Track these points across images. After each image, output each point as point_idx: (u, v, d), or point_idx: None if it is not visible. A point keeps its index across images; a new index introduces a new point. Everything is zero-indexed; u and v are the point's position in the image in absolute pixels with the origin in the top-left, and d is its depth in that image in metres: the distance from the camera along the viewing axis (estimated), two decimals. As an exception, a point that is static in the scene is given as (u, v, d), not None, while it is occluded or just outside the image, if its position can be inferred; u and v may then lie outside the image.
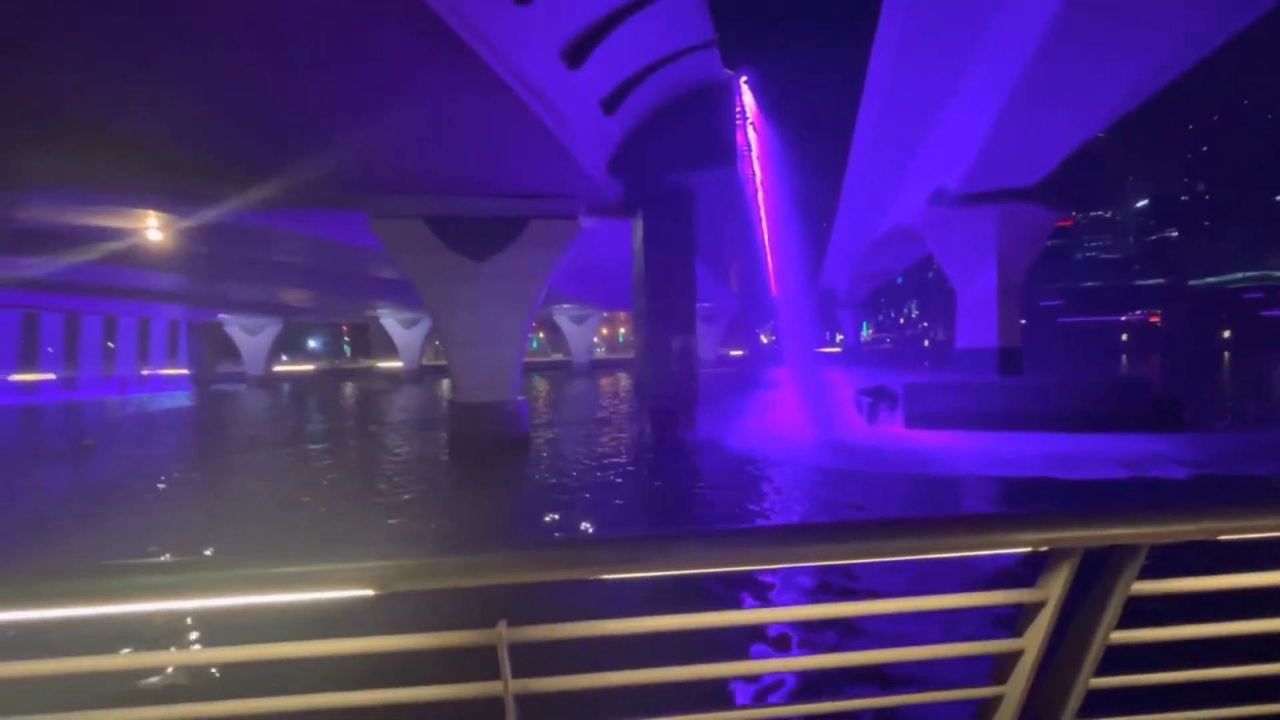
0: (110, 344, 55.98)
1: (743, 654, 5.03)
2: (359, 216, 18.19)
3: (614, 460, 16.55)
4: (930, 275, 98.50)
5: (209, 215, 19.51)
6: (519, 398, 18.50)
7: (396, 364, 65.41)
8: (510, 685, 1.15)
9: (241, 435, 24.12)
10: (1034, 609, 1.26)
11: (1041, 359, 29.40)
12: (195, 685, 4.23)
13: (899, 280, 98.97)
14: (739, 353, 78.52)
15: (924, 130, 19.30)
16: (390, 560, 1.07)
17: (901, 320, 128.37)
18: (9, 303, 42.69)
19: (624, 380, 53.89)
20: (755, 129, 22.88)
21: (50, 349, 51.99)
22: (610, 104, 14.62)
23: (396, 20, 8.35)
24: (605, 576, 1.14)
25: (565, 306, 60.60)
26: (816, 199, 49.65)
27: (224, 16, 8.26)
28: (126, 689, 4.12)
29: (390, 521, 11.18)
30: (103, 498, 13.70)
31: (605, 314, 71.19)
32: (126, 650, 1.32)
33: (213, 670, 4.15)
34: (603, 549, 1.12)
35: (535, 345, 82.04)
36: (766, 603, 6.66)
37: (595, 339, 74.32)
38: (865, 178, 25.83)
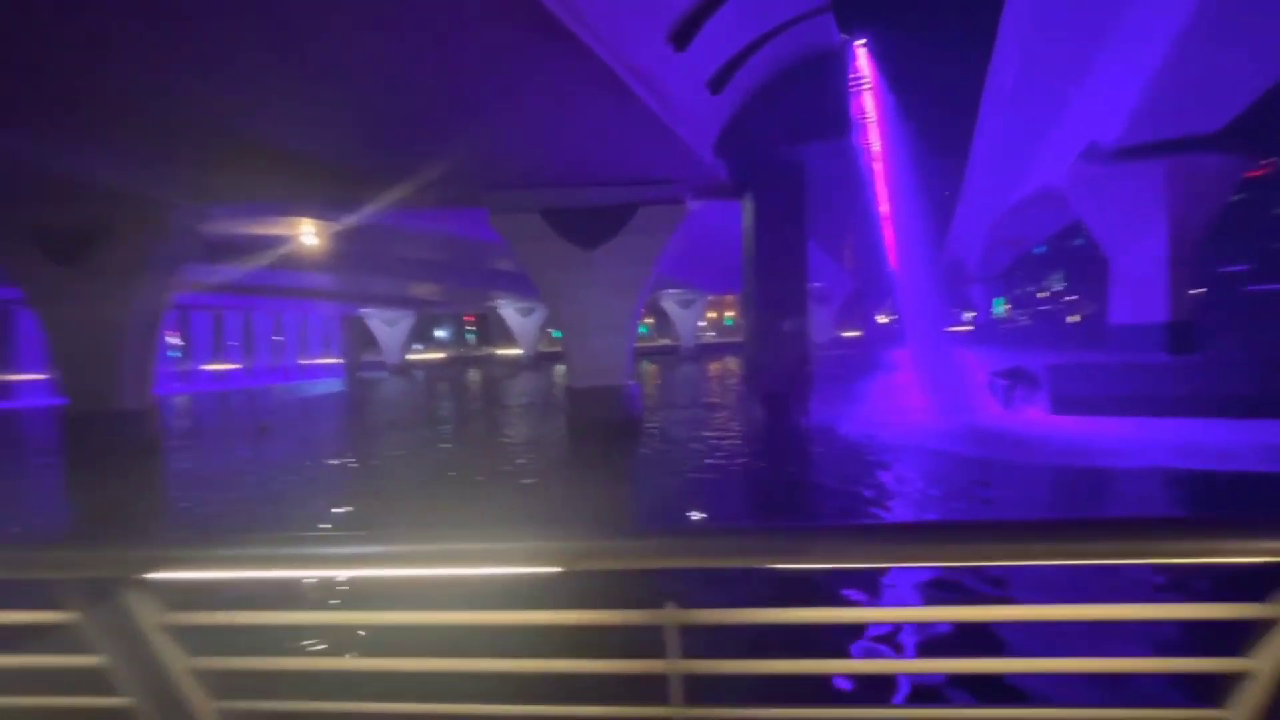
0: (278, 337, 63.95)
1: (902, 652, 4.73)
2: (480, 213, 19.34)
3: (725, 444, 16.48)
4: (1078, 243, 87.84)
5: (354, 219, 21.65)
6: (631, 382, 18.89)
7: (515, 351, 69.09)
8: (676, 665, 1.17)
9: (387, 418, 26.65)
10: (1266, 625, 1.09)
11: (1221, 334, 25.34)
12: (391, 643, 4.77)
13: (1039, 250, 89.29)
14: (854, 334, 74.80)
15: (1073, 75, 17.13)
16: (576, 540, 1.12)
17: (1042, 295, 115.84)
18: (202, 304, 50.06)
19: (731, 364, 53.26)
20: (872, 95, 21.47)
21: (232, 343, 60.22)
22: (717, 83, 14.35)
23: (512, 23, 8.69)
24: (777, 566, 1.13)
25: (671, 291, 60.82)
26: (940, 164, 45.85)
27: (378, 50, 9.09)
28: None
29: (525, 500, 11.91)
30: (288, 472, 15.80)
31: (711, 298, 70.62)
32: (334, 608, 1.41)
33: (403, 631, 4.62)
34: (779, 539, 1.11)
35: (643, 331, 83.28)
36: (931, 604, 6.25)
37: (701, 323, 74.01)
38: (998, 136, 23.44)
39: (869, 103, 21.59)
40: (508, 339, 74.85)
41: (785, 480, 13.02)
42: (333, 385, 54.40)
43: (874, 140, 23.92)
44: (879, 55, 21.45)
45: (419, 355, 76.82)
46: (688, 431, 18.52)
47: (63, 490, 15.96)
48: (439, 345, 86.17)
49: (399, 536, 1.12)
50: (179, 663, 1.15)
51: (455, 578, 1.13)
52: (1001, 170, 26.04)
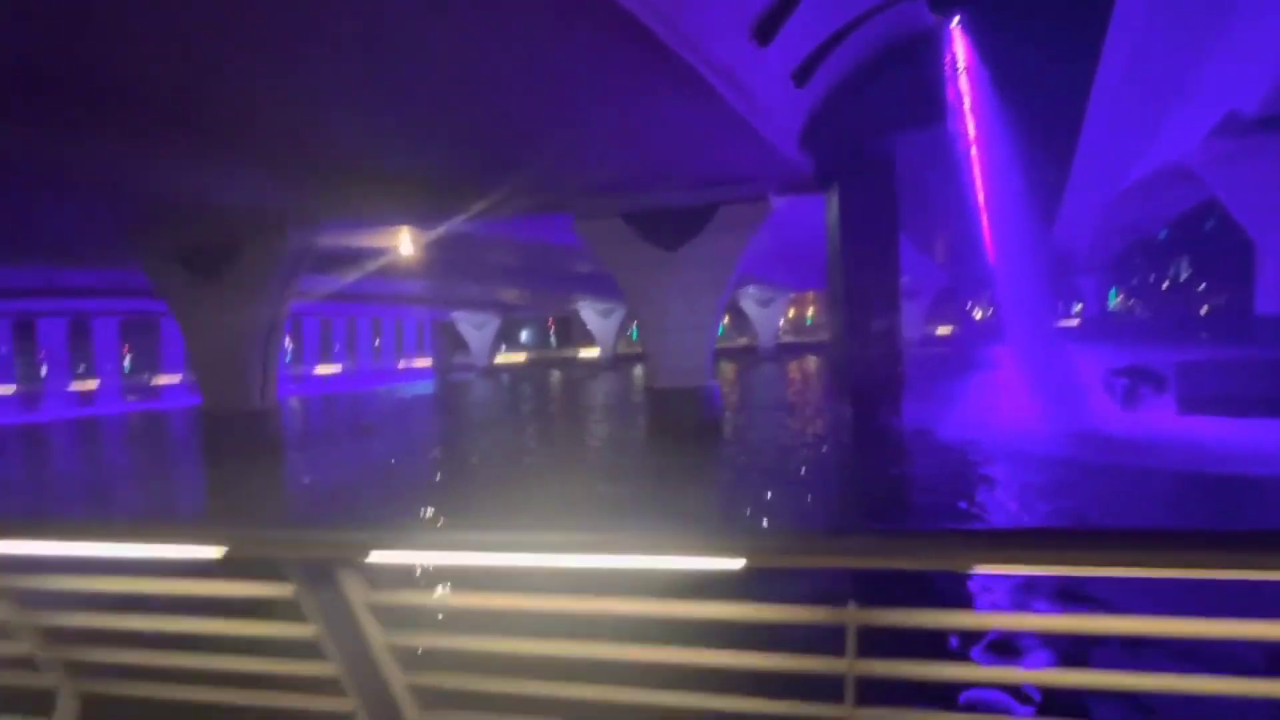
0: (377, 341, 68.47)
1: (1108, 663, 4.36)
2: (562, 219, 19.92)
3: (813, 447, 16.09)
4: (1209, 225, 78.73)
5: (446, 228, 22.80)
6: (712, 383, 18.81)
7: (594, 352, 70.35)
8: (854, 665, 1.16)
9: (478, 418, 27.92)
10: None
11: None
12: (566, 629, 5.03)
13: (1160, 235, 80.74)
14: (947, 330, 70.72)
15: (1203, 41, 15.44)
16: (761, 536, 1.14)
17: (1165, 284, 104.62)
18: (312, 312, 54.42)
19: (813, 364, 51.82)
20: (968, 76, 20.23)
21: (337, 347, 65.04)
22: (801, 75, 14.03)
23: (594, 27, 8.87)
24: (976, 570, 1.11)
25: (750, 290, 59.87)
26: (1045, 146, 42.46)
27: (469, 71, 9.60)
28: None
29: (614, 493, 12.15)
30: (393, 468, 16.95)
31: (792, 295, 68.89)
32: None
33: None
34: (976, 540, 1.09)
35: (719, 331, 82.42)
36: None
37: (781, 322, 72.39)
38: (1113, 113, 21.47)
39: (965, 85, 20.37)
40: (587, 340, 76.36)
41: (885, 487, 12.35)
42: (426, 387, 57.58)
43: (970, 125, 22.56)
44: (976, 34, 20.19)
45: (504, 357, 79.87)
46: (772, 434, 18.22)
47: (213, 481, 17.84)
48: (522, 347, 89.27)
49: (575, 527, 1.19)
50: (379, 638, 1.27)
51: (624, 569, 1.18)
52: (1116, 149, 23.83)
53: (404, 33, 8.80)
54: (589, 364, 70.54)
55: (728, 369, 52.45)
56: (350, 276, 32.10)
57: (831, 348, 19.48)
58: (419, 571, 1.35)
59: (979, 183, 32.32)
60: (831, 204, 18.32)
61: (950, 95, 18.29)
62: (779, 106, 13.93)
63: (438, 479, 14.91)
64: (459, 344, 72.13)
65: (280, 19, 8.38)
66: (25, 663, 1.46)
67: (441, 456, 18.09)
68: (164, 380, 54.42)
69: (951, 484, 11.78)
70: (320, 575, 1.23)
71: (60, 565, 1.36)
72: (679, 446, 16.82)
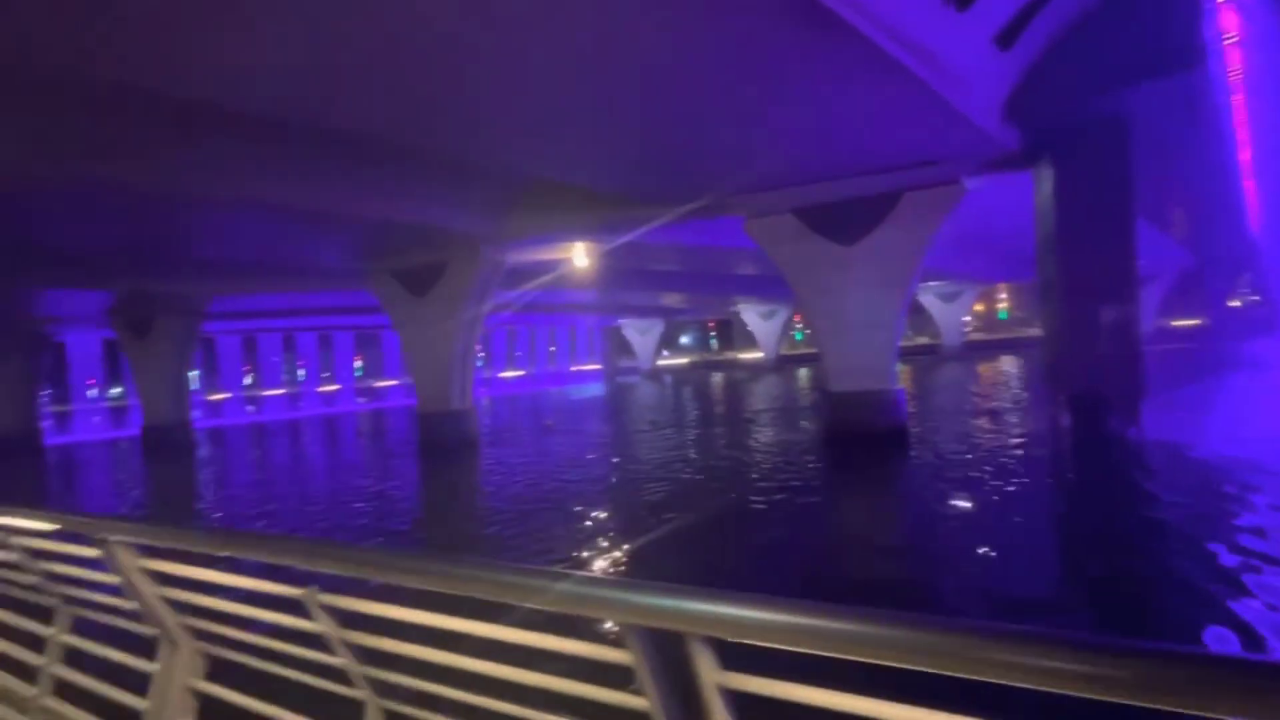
0: (552, 348, 73.84)
1: None
2: (726, 221, 19.74)
3: (1022, 459, 14.00)
4: None
5: (619, 239, 23.75)
6: (895, 386, 17.27)
7: (756, 355, 69.11)
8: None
9: (649, 419, 28.65)
10: None
11: None
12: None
13: None
14: (1191, 323, 58.24)
15: None
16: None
17: None
18: (497, 323, 60.31)
19: (1006, 365, 45.80)
20: (1235, 7, 16.22)
21: (518, 353, 71.21)
22: (1006, 37, 12.29)
23: (765, 9, 8.47)
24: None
25: (932, 284, 54.57)
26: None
27: (665, 85, 9.77)
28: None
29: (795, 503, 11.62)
30: (582, 461, 18.01)
31: (981, 288, 61.56)
32: None
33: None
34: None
35: (895, 329, 76.38)
36: None
37: (967, 318, 64.99)
38: None
39: (1228, 20, 16.36)
40: (748, 343, 75.27)
41: (1132, 520, 9.87)
42: (596, 389, 60.75)
43: (1233, 68, 18.06)
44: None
45: (667, 361, 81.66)
46: (965, 444, 16.20)
47: (428, 470, 20.33)
48: (684, 351, 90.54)
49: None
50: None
51: None
52: None
53: (626, 51, 9.07)
54: (751, 366, 69.42)
55: (905, 370, 48.21)
56: (530, 289, 35.04)
57: (1044, 345, 16.84)
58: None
59: (1242, 137, 26.08)
60: (1042, 181, 15.87)
61: (1208, 33, 14.87)
62: (978, 76, 12.32)
63: (610, 474, 15.37)
64: (625, 348, 75.20)
65: (511, 61, 9.18)
66: (340, 675, 1.58)
67: (618, 455, 18.71)
68: (384, 384, 63.86)
69: (1229, 522, 9.27)
70: (662, 647, 1.07)
71: (374, 592, 1.44)
72: (858, 455, 15.65)
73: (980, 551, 8.76)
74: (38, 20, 7.69)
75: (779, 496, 12.45)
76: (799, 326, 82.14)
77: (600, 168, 14.65)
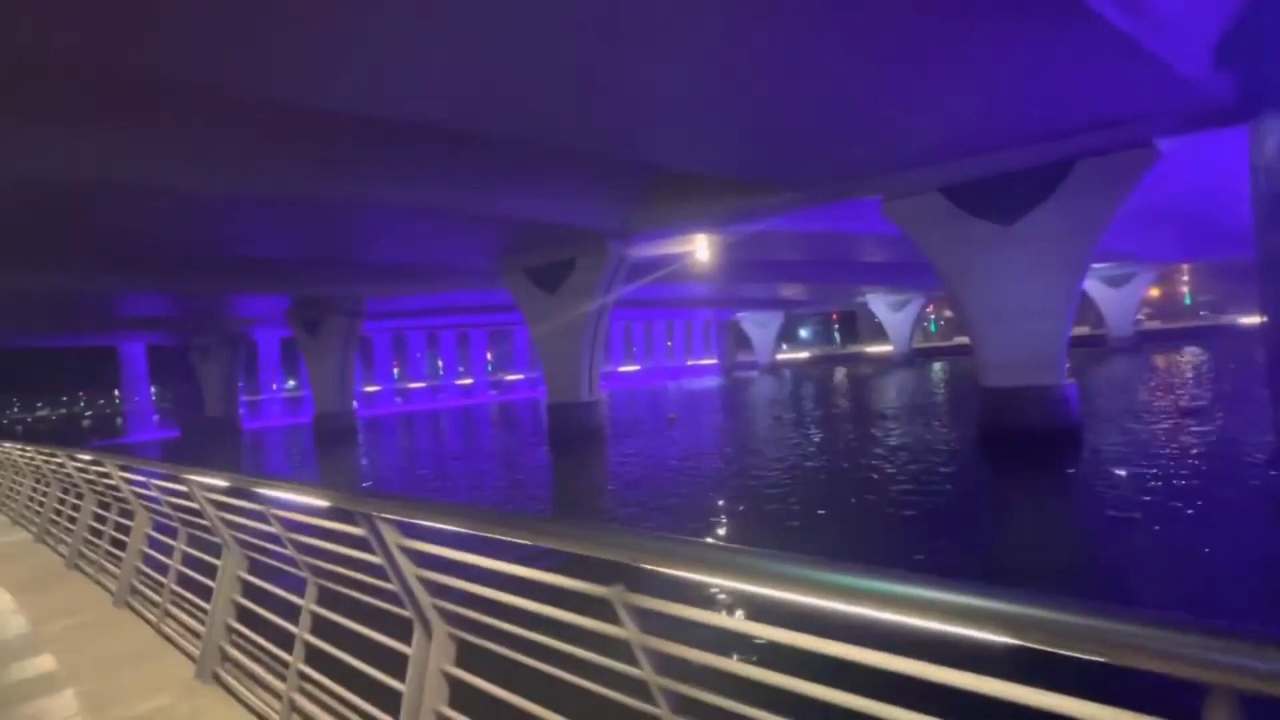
0: (668, 342, 74.35)
1: None
2: (854, 205, 18.60)
3: (1245, 467, 11.82)
4: None
5: (741, 230, 23.25)
6: (1065, 381, 15.30)
7: (885, 348, 65.07)
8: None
9: (776, 414, 27.83)
10: None
11: None
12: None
13: None
14: None
15: None
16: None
17: None
18: (617, 317, 61.83)
19: (1190, 357, 39.44)
20: None
21: (634, 348, 72.45)
22: (1222, -35, 10.33)
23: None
24: None
25: (1099, 266, 48.20)
26: None
27: (810, 55, 9.29)
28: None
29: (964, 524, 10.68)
30: (714, 457, 17.89)
31: (1157, 269, 53.46)
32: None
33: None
34: None
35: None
36: None
37: (1139, 304, 56.74)
38: None
39: None
40: (876, 335, 71.02)
41: None
42: (713, 383, 60.25)
43: None
44: None
45: (785, 355, 79.27)
46: (1166, 451, 13.92)
47: (567, 461, 21.17)
48: (804, 344, 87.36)
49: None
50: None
51: None
52: None
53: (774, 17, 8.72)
54: (879, 360, 65.46)
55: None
56: (649, 283, 35.34)
57: (1266, 333, 14.12)
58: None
59: None
60: (1265, 136, 13.26)
61: None
62: (1181, 11, 10.47)
63: (751, 475, 14.98)
64: (742, 342, 73.94)
65: (656, 45, 9.19)
66: (634, 686, 1.44)
67: (750, 453, 18.28)
68: (512, 378, 67.86)
69: None
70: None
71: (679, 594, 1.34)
72: (1021, 458, 14.06)
73: (1196, 586, 7.40)
74: (241, 53, 8.79)
75: (933, 503, 11.42)
76: (933, 317, 76.30)
77: (736, 153, 14.25)
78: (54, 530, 5.61)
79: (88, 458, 4.48)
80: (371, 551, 1.93)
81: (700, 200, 18.95)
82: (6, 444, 7.34)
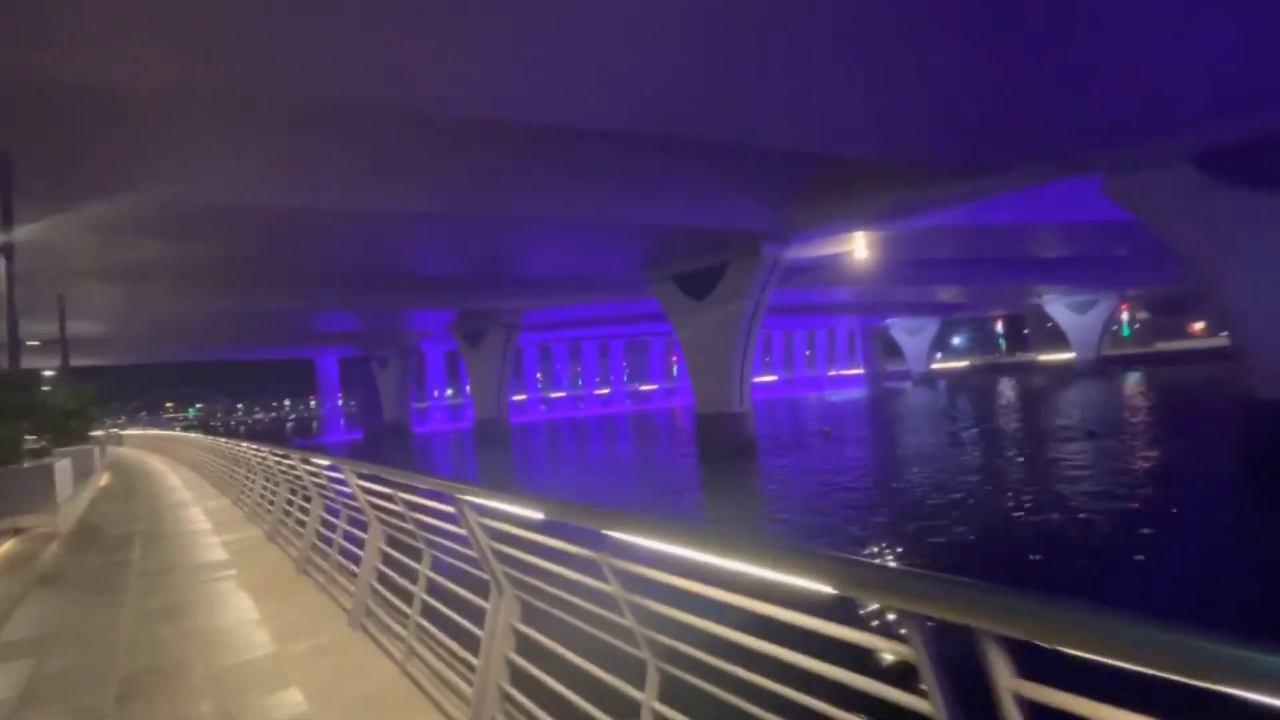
0: (807, 351, 71.04)
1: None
2: (1028, 193, 16.15)
3: None
4: None
5: (906, 224, 21.05)
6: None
7: (1064, 355, 57.03)
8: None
9: (947, 429, 24.91)
10: None
11: None
12: None
13: None
14: None
15: None
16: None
17: None
18: (766, 326, 60.27)
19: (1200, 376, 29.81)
20: None
21: (767, 359, 70.04)
22: None
23: None
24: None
25: (1065, 293, 39.16)
26: None
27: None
28: None
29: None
30: (889, 476, 16.19)
31: (1118, 296, 45.49)
32: None
33: None
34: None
35: None
36: None
37: (1103, 329, 52.57)
38: None
39: None
40: (1050, 341, 62.50)
41: None
42: (858, 395, 56.33)
43: None
44: None
45: (941, 364, 72.43)
46: None
47: (714, 472, 20.39)
48: (964, 352, 79.35)
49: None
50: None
51: None
52: None
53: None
54: (1056, 369, 57.32)
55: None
56: (796, 287, 33.53)
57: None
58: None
59: None
60: None
61: None
62: None
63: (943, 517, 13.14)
64: (891, 350, 68.68)
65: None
66: (626, 634, 1.68)
67: (931, 475, 16.21)
68: (647, 388, 68.61)
69: None
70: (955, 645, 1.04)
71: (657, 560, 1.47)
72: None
73: None
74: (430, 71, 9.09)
75: (1193, 548, 9.06)
76: (1125, 319, 65.71)
77: (918, 132, 12.66)
78: (283, 531, 5.79)
79: (324, 462, 4.42)
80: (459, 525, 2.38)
81: (864, 195, 17.34)
82: (244, 444, 7.95)
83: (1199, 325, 61.80)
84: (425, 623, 2.90)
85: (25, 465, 7.23)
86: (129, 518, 8.28)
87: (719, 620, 1.41)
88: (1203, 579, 8.01)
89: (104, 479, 14.47)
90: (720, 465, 20.57)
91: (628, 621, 1.66)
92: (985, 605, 0.89)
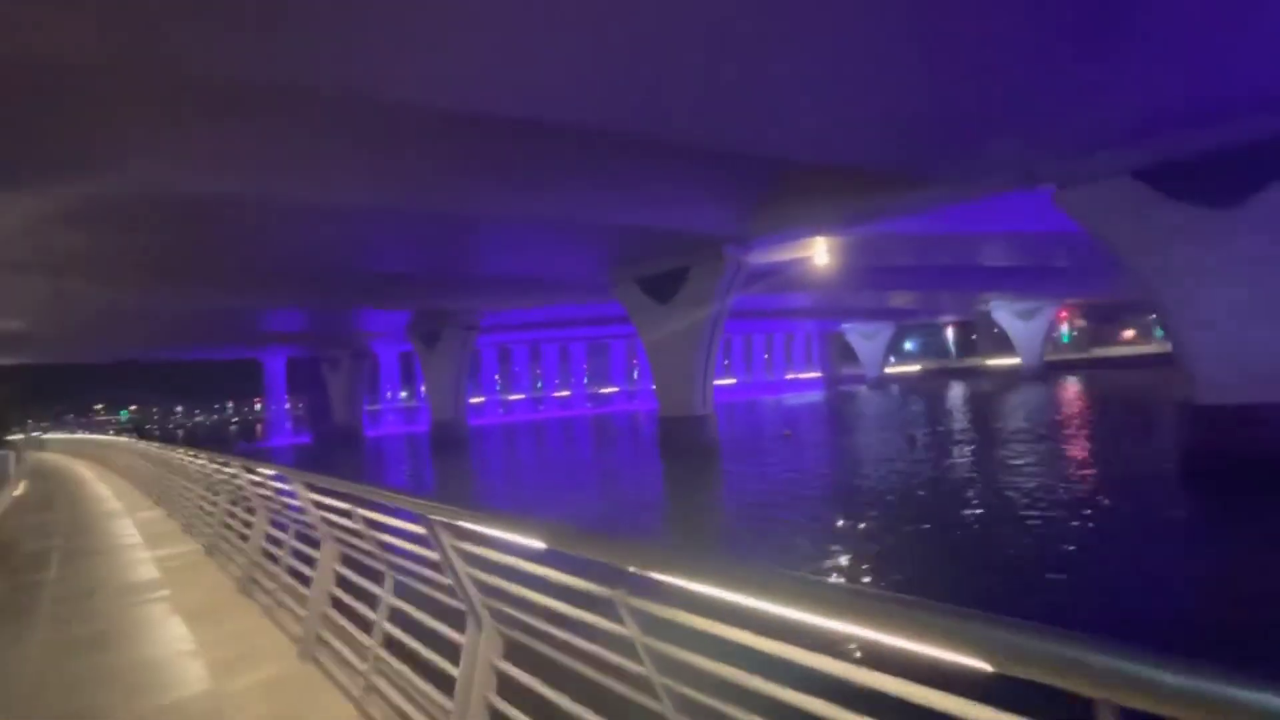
0: (766, 355, 71.99)
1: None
2: (979, 204, 16.78)
3: None
4: None
5: (867, 230, 21.42)
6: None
7: (1010, 361, 59.48)
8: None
9: (908, 433, 25.35)
10: None
11: None
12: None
13: None
14: None
15: None
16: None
17: None
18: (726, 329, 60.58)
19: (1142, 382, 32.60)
20: None
21: (726, 362, 70.69)
22: None
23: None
24: None
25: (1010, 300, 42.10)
26: None
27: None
28: None
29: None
30: (851, 480, 16.31)
31: (1058, 304, 49.66)
32: None
33: None
34: None
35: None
36: None
37: (1045, 336, 55.92)
38: None
39: None
40: (998, 347, 65.09)
41: None
42: (815, 398, 57.37)
43: None
44: None
45: (895, 368, 74.49)
46: None
47: (678, 473, 20.23)
48: (916, 357, 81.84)
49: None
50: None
51: None
52: None
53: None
54: (1004, 374, 59.70)
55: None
56: (754, 293, 33.83)
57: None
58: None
59: None
60: None
61: None
62: None
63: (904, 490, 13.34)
64: (847, 355, 70.25)
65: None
66: (639, 681, 1.52)
67: (892, 478, 16.47)
68: (608, 390, 68.20)
69: None
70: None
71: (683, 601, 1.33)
72: (1259, 493, 11.50)
73: None
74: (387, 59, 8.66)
75: (1153, 556, 9.37)
76: (1065, 327, 68.95)
77: (869, 138, 12.83)
78: (223, 545, 5.32)
79: (269, 471, 4.02)
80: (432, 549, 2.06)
81: (826, 200, 17.50)
82: (180, 450, 7.35)
83: (1130, 333, 65.37)
84: (387, 655, 2.56)
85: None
86: (45, 532, 7.54)
87: (764, 671, 1.17)
88: (1135, 570, 8.29)
89: (18, 489, 13.31)
90: (685, 469, 20.46)
91: (644, 669, 1.44)
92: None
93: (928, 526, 11.24)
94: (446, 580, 2.09)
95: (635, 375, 67.83)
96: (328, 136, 11.60)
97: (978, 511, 12.07)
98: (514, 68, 9.11)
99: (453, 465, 27.72)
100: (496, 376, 64.13)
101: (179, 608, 4.15)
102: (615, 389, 68.02)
